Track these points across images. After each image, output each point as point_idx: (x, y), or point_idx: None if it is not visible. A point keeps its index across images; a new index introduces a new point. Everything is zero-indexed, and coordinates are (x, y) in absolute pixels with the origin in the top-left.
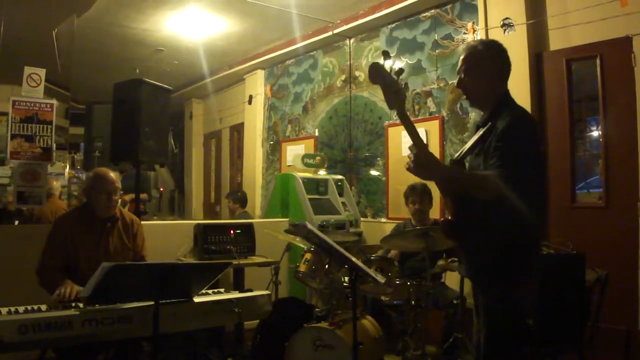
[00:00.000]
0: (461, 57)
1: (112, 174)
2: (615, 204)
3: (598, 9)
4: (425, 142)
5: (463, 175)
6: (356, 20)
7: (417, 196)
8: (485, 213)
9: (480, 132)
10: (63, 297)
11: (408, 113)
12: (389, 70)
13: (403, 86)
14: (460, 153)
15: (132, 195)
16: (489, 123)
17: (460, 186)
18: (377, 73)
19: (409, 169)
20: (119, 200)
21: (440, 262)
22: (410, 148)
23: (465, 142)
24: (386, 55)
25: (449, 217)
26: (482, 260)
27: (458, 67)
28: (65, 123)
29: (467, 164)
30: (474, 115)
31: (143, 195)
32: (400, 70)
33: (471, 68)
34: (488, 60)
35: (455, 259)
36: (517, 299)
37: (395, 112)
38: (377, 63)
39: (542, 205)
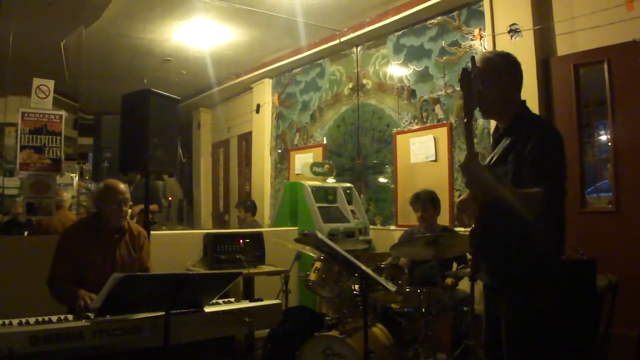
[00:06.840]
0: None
1: (122, 185)
2: (626, 208)
3: (605, 14)
4: (476, 151)
5: (509, 191)
6: (363, 28)
7: (420, 204)
8: (513, 224)
9: (507, 141)
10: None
11: (416, 120)
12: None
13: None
14: (490, 161)
15: (142, 206)
16: (514, 132)
17: (504, 201)
18: (465, 80)
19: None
20: (129, 212)
21: (452, 276)
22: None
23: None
24: (473, 62)
25: (474, 225)
26: (510, 271)
27: None
28: (74, 134)
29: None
30: (482, 122)
31: (153, 207)
32: (480, 86)
33: (487, 79)
34: (504, 72)
35: (466, 267)
36: (543, 311)
37: (464, 119)
38: (468, 71)
39: (564, 217)
